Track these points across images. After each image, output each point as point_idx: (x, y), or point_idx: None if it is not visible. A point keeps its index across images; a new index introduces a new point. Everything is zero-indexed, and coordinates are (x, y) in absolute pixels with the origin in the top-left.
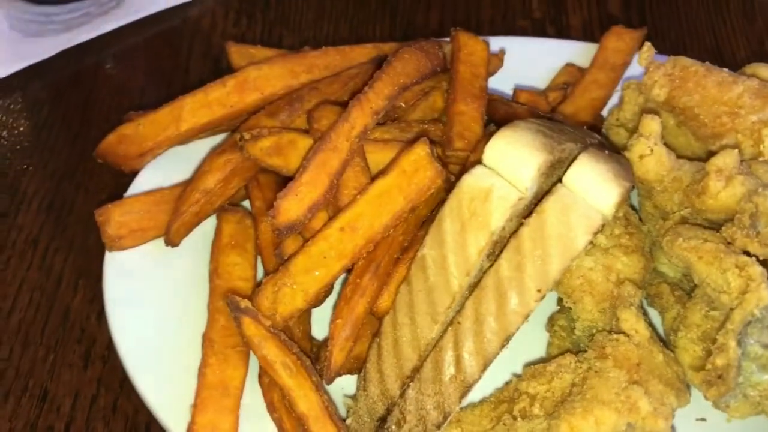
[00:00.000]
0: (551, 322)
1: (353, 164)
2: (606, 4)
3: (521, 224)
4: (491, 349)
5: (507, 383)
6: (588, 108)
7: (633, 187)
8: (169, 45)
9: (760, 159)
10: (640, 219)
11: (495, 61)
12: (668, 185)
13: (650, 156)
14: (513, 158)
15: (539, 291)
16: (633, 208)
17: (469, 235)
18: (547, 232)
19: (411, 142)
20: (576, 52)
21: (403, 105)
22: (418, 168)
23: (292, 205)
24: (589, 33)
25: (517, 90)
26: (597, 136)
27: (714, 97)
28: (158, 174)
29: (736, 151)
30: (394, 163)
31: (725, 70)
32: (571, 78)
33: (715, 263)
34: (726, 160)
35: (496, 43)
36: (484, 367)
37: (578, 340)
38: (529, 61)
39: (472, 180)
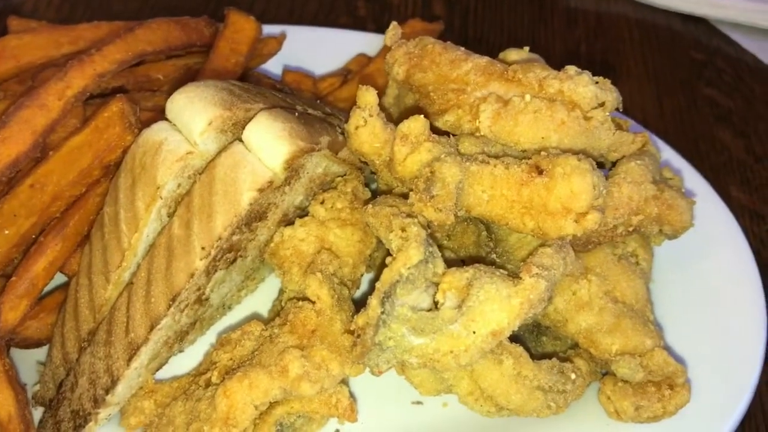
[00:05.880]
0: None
1: (66, 125)
2: (431, 6)
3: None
4: (158, 309)
5: (206, 354)
6: None
7: (318, 149)
8: None
9: (477, 134)
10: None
11: (272, 43)
12: (387, 160)
13: (364, 127)
14: (188, 112)
15: (203, 248)
16: (368, 186)
17: (138, 190)
18: (214, 188)
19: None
20: (376, 44)
21: (162, 77)
22: (110, 125)
23: None
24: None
25: (285, 70)
26: (326, 109)
27: (445, 74)
28: None
29: (423, 116)
30: (90, 120)
31: (462, 48)
32: (358, 66)
33: (389, 227)
34: (411, 125)
35: (299, 32)
36: (151, 329)
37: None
38: (328, 51)
39: (149, 134)
